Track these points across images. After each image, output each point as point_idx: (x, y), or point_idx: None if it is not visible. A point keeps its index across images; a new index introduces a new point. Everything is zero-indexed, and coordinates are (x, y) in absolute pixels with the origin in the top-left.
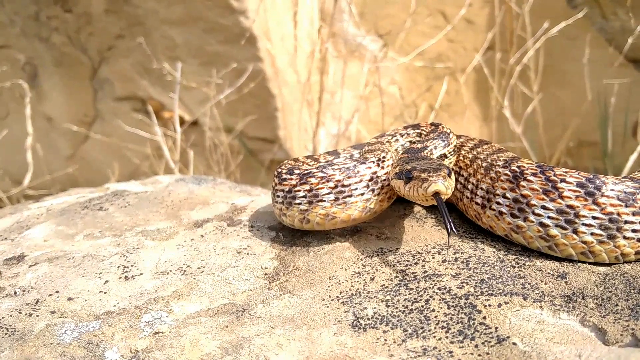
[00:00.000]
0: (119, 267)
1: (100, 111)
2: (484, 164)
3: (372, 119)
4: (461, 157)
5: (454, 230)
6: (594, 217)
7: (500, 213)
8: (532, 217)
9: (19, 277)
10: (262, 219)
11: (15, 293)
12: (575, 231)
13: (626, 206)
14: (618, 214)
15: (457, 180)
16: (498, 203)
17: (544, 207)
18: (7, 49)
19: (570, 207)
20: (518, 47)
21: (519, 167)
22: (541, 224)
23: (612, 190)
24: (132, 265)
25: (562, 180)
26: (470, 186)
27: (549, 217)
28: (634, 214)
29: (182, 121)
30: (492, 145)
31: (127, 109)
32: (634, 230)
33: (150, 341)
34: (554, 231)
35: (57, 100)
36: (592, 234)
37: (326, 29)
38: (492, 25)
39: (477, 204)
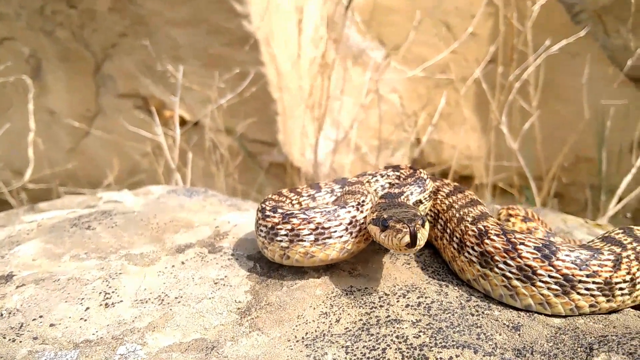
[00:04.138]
0: (100, 293)
1: (102, 107)
2: (457, 215)
3: (371, 126)
4: (438, 202)
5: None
6: (550, 276)
7: (471, 261)
8: (496, 270)
9: (5, 298)
10: (242, 246)
11: (1, 315)
12: (533, 284)
13: (580, 270)
14: (572, 275)
15: (437, 222)
16: (469, 252)
17: (505, 263)
18: (12, 41)
19: (529, 266)
20: (519, 62)
21: (484, 226)
22: (504, 276)
23: (567, 256)
24: (113, 292)
25: (522, 243)
26: (448, 231)
27: (510, 272)
28: (587, 275)
29: (182, 121)
30: (465, 194)
31: (128, 106)
32: (587, 289)
33: None
34: (515, 282)
35: (60, 94)
36: (548, 288)
37: (330, 36)
38: (494, 37)
39: (454, 248)
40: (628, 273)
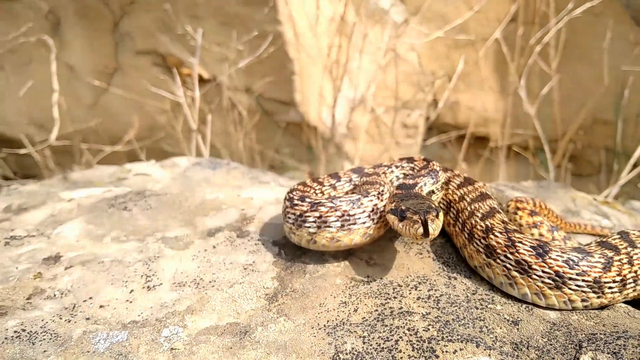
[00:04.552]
0: (142, 275)
1: (121, 63)
2: (468, 208)
3: (388, 86)
4: (450, 192)
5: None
6: (543, 271)
7: (478, 250)
8: (499, 260)
9: (57, 279)
10: (268, 231)
11: (54, 296)
12: (529, 276)
13: (570, 268)
14: (563, 272)
15: (449, 210)
16: (477, 243)
17: (505, 256)
18: None
19: (525, 260)
20: (541, 24)
21: (491, 224)
22: (505, 266)
23: (559, 256)
24: (153, 275)
25: (520, 242)
26: (460, 221)
27: (509, 264)
28: (577, 274)
29: (200, 79)
30: (475, 187)
31: (147, 64)
32: (577, 285)
33: (168, 356)
34: (514, 273)
35: (79, 51)
36: (542, 281)
37: None
38: None
39: (465, 237)
40: (618, 274)
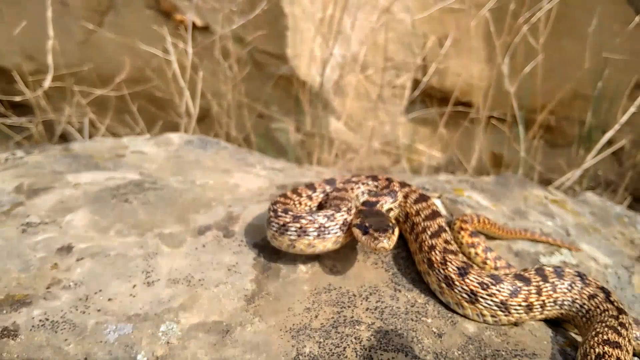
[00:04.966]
0: (142, 271)
1: (115, 2)
2: (422, 224)
3: (379, 45)
4: (408, 206)
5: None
6: (461, 287)
7: (423, 260)
8: (435, 272)
9: (70, 271)
10: (250, 233)
11: (70, 286)
12: (452, 289)
13: (482, 289)
14: (477, 291)
15: (406, 220)
16: (423, 255)
17: (439, 271)
18: None
19: (450, 277)
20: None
21: (435, 243)
22: (437, 278)
23: (475, 278)
24: (152, 271)
25: (449, 262)
26: (414, 232)
27: (440, 277)
28: (487, 295)
29: (193, 26)
30: (428, 204)
31: (141, 4)
32: (487, 303)
33: (165, 349)
34: (442, 284)
35: None
36: (461, 295)
37: None
38: None
39: (416, 247)
40: (525, 301)
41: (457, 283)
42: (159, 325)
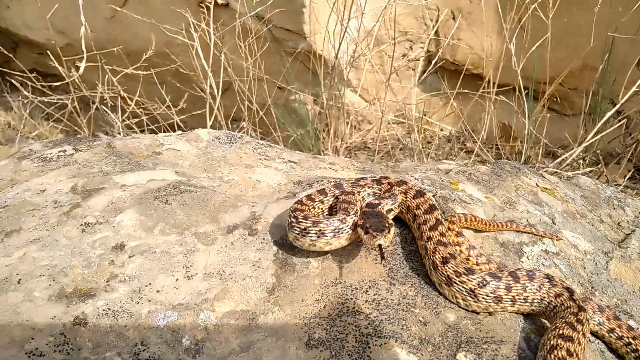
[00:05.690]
0: (183, 266)
1: None
2: (422, 217)
3: (392, 17)
4: (409, 200)
5: (385, 262)
6: (441, 272)
7: (422, 246)
8: (428, 258)
9: (124, 266)
10: (271, 231)
11: (125, 280)
12: (437, 272)
13: (456, 276)
14: (451, 277)
15: (408, 211)
16: (422, 242)
17: (430, 257)
18: None
19: (435, 263)
20: None
21: (432, 235)
22: (428, 262)
23: (452, 267)
24: (191, 266)
25: (437, 252)
26: (416, 223)
27: (431, 261)
28: (460, 282)
29: (215, 3)
30: (425, 199)
31: None
32: (459, 288)
33: (204, 334)
34: (431, 268)
35: None
36: (441, 278)
37: None
38: None
39: (418, 234)
40: (493, 293)
41: (439, 268)
42: (198, 314)
